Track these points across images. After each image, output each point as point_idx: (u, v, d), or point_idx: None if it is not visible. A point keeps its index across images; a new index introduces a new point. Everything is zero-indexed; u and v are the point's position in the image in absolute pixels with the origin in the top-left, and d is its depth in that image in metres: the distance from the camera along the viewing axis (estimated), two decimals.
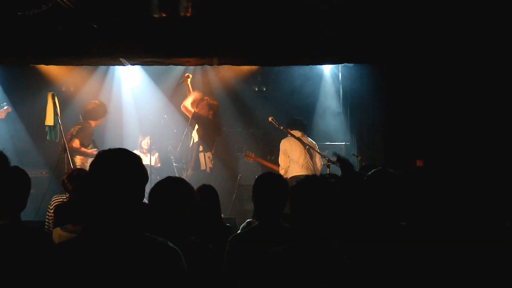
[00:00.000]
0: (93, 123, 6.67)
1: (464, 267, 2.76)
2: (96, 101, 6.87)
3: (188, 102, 6.69)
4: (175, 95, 7.88)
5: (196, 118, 6.60)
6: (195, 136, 6.66)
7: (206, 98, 6.76)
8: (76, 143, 6.37)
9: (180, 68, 7.77)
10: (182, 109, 6.72)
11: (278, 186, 2.92)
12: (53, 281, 1.72)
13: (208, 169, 6.51)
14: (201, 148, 6.54)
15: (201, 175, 6.32)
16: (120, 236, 1.77)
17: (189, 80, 6.84)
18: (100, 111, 6.73)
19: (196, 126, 6.67)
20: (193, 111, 6.62)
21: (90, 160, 5.15)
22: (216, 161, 6.81)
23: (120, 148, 1.88)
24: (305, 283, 2.02)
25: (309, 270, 2.04)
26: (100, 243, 1.75)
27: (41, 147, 7.50)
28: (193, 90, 6.96)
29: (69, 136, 6.48)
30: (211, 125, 6.63)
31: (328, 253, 2.10)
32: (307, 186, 2.17)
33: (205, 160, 6.49)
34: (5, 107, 6.77)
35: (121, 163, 1.81)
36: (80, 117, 6.82)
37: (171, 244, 1.85)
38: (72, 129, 6.59)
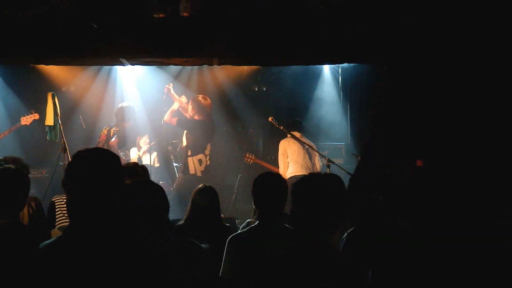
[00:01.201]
0: (125, 125, 6.79)
1: (464, 266, 2.77)
2: (123, 104, 6.96)
3: (168, 114, 6.56)
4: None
5: (180, 124, 6.46)
6: (184, 140, 6.51)
7: (188, 100, 6.54)
8: (114, 142, 6.55)
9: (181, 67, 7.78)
10: (166, 121, 6.61)
11: (277, 185, 2.92)
12: (38, 280, 1.71)
13: (199, 173, 6.28)
14: (189, 152, 6.34)
15: (191, 179, 6.16)
16: (104, 235, 1.76)
17: (171, 89, 6.65)
18: (129, 113, 6.82)
19: (186, 130, 6.52)
20: (175, 119, 6.48)
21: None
22: (213, 162, 6.69)
23: (96, 148, 1.90)
24: (304, 283, 2.02)
25: (308, 270, 2.04)
26: (83, 242, 1.75)
27: (41, 147, 7.50)
28: (191, 91, 6.91)
29: (104, 138, 6.64)
30: (197, 127, 6.35)
31: (327, 252, 2.10)
32: (308, 184, 2.17)
33: (194, 164, 6.29)
34: (33, 114, 6.79)
35: (95, 162, 1.81)
36: (114, 119, 6.91)
37: (161, 242, 1.84)
38: (107, 130, 6.73)
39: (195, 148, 6.34)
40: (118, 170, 1.86)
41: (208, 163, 6.43)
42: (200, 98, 6.43)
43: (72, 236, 1.79)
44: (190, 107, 6.41)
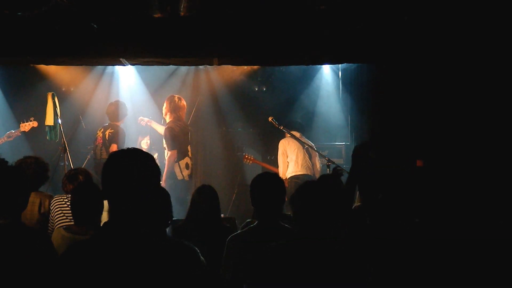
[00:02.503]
0: (118, 123, 6.66)
1: (463, 265, 2.77)
2: (116, 101, 6.85)
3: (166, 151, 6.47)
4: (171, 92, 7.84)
5: (167, 142, 6.26)
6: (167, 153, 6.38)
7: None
8: (114, 147, 6.31)
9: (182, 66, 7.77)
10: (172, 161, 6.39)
11: (275, 185, 2.92)
12: (72, 283, 1.68)
13: (186, 177, 6.21)
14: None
15: (178, 184, 6.12)
16: (141, 237, 1.75)
17: (153, 122, 6.70)
18: (123, 111, 6.71)
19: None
20: (167, 148, 6.32)
21: None
22: (213, 162, 6.62)
23: (133, 148, 1.86)
24: (304, 282, 2.02)
25: (308, 269, 2.04)
26: (120, 244, 1.73)
27: (41, 147, 7.50)
28: (190, 90, 6.88)
29: (101, 141, 6.50)
30: (173, 133, 6.23)
31: (327, 252, 2.10)
32: (313, 189, 2.18)
33: (181, 169, 6.20)
34: (32, 122, 6.77)
35: (138, 162, 1.79)
36: (107, 119, 6.77)
37: (189, 243, 1.84)
38: (101, 132, 6.58)
39: (178, 154, 6.23)
40: (157, 170, 1.84)
41: (191, 165, 6.37)
42: (175, 97, 6.43)
43: (107, 237, 1.77)
44: (164, 105, 6.42)
